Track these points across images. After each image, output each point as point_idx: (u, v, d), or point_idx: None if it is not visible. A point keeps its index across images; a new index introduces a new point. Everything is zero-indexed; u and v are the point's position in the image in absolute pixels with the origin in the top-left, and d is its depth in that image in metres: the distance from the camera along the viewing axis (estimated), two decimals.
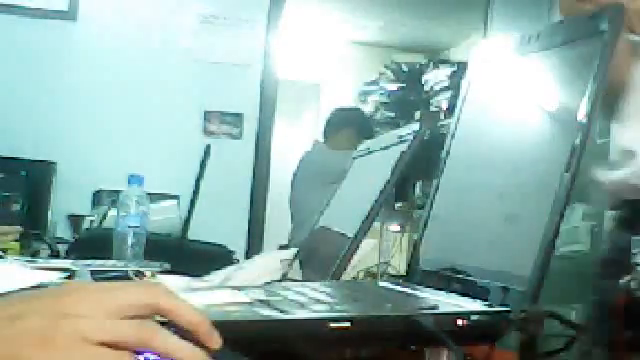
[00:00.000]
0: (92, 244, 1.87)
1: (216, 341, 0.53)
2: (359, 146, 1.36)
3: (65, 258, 1.75)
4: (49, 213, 3.17)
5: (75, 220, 3.17)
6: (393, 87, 6.15)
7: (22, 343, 0.49)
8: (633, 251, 1.00)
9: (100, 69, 3.46)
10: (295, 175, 3.90)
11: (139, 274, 1.31)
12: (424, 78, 5.81)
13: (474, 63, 0.94)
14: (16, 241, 1.74)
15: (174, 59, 3.55)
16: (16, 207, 2.96)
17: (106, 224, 2.16)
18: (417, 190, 4.34)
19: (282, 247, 3.72)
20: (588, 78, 0.68)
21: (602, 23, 0.70)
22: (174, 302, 0.53)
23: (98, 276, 1.27)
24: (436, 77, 5.59)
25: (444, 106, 5.26)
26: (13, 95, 3.36)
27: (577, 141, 0.67)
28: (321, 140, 3.94)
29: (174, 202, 2.92)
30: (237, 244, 2.88)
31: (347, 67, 6.77)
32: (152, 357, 0.53)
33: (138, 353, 0.52)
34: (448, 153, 0.92)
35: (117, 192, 1.80)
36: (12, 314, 0.50)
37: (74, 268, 1.31)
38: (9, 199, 2.95)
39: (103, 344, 0.49)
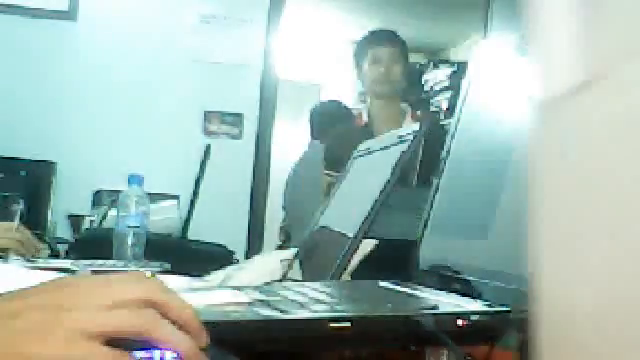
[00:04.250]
0: (92, 244, 1.87)
1: (204, 339, 0.54)
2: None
3: (65, 258, 1.74)
4: (49, 213, 3.17)
5: (75, 220, 3.17)
6: None
7: (22, 340, 0.49)
8: None
9: (100, 69, 3.46)
10: (294, 175, 3.90)
11: (138, 273, 1.31)
12: (424, 78, 5.81)
13: (474, 63, 0.94)
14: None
15: (174, 59, 3.55)
16: (16, 207, 2.96)
17: (106, 224, 2.15)
18: None
19: (280, 247, 3.72)
20: None
21: None
22: (168, 297, 0.54)
23: None
24: (436, 77, 5.60)
25: (444, 106, 5.26)
26: (13, 95, 3.36)
27: None
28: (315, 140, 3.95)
29: (174, 202, 2.91)
30: (237, 244, 2.88)
31: (347, 67, 6.77)
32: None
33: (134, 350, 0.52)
34: (448, 153, 0.92)
35: (117, 192, 1.80)
36: (11, 311, 0.50)
37: (74, 268, 1.31)
38: (9, 199, 2.95)
39: (104, 336, 0.50)
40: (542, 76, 0.35)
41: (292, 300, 0.72)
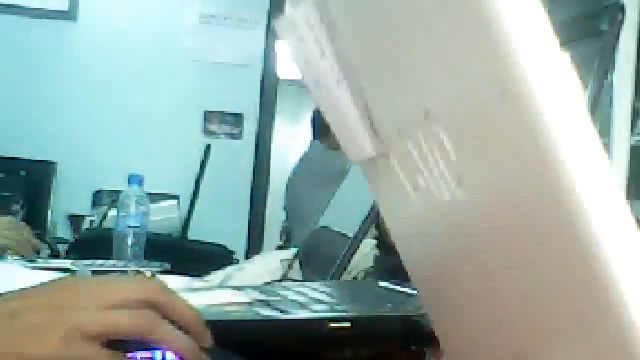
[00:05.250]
0: (92, 244, 1.87)
1: (207, 340, 0.53)
2: None
3: (65, 258, 1.75)
4: (49, 213, 3.17)
5: (75, 220, 3.17)
6: None
7: (22, 340, 0.49)
8: None
9: (100, 69, 3.46)
10: (294, 175, 3.90)
11: (139, 274, 1.31)
12: None
13: None
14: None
15: (174, 59, 3.55)
16: (16, 207, 2.96)
17: (106, 224, 2.16)
18: None
19: (280, 247, 3.73)
20: (588, 78, 0.69)
21: (602, 23, 0.70)
22: (170, 297, 0.53)
23: None
24: None
25: None
26: (13, 95, 3.36)
27: None
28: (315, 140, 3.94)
29: (174, 202, 2.92)
30: (237, 244, 2.88)
31: None
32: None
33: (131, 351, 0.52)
34: None
35: (117, 192, 1.80)
36: (11, 311, 0.50)
37: (74, 268, 1.31)
38: (9, 199, 2.95)
39: (103, 336, 0.50)
40: (344, 144, 0.45)
41: (292, 300, 0.72)
